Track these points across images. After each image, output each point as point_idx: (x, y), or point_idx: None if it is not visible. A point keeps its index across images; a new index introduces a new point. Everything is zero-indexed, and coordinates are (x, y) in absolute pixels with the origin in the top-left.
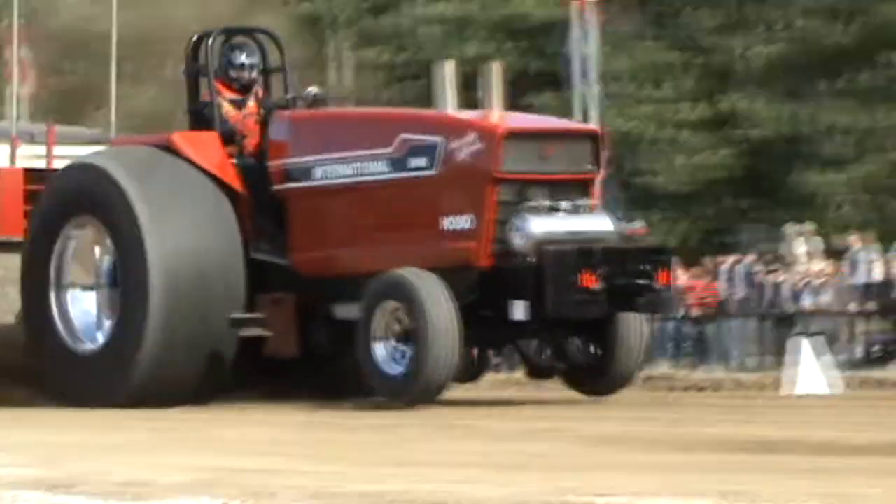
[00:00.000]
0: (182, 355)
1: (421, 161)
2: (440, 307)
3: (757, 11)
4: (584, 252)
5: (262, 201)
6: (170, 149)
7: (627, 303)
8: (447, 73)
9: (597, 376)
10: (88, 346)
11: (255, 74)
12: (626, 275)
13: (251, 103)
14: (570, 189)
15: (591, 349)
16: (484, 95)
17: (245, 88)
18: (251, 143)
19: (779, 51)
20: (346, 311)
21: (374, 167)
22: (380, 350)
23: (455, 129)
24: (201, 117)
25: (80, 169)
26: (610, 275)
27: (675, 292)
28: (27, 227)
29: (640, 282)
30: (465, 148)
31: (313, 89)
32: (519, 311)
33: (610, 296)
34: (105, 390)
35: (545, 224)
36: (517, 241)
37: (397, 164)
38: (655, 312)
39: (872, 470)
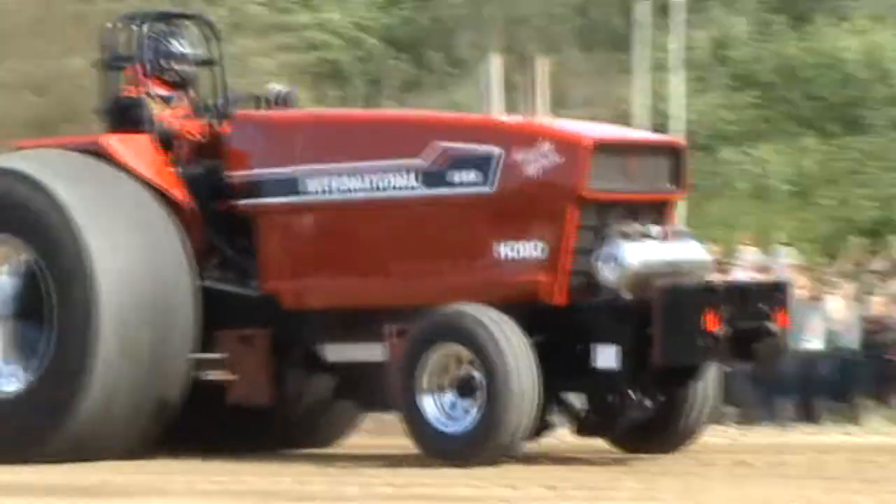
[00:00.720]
0: (127, 399)
1: (467, 175)
2: (517, 354)
3: None
4: (707, 289)
5: (213, 219)
6: (98, 154)
7: (746, 349)
8: (494, 70)
9: (656, 432)
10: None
11: (193, 67)
12: (748, 316)
13: (184, 101)
14: (650, 211)
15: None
16: (527, 96)
17: (178, 84)
18: (190, 148)
19: None
20: (344, 351)
21: (395, 181)
22: (428, 403)
23: (520, 137)
24: (123, 117)
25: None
26: (732, 316)
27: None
28: None
29: (762, 324)
30: (536, 161)
31: (277, 86)
32: (607, 357)
33: (730, 341)
34: (29, 442)
35: (641, 253)
36: (607, 274)
37: (431, 177)
38: (775, 360)
39: None
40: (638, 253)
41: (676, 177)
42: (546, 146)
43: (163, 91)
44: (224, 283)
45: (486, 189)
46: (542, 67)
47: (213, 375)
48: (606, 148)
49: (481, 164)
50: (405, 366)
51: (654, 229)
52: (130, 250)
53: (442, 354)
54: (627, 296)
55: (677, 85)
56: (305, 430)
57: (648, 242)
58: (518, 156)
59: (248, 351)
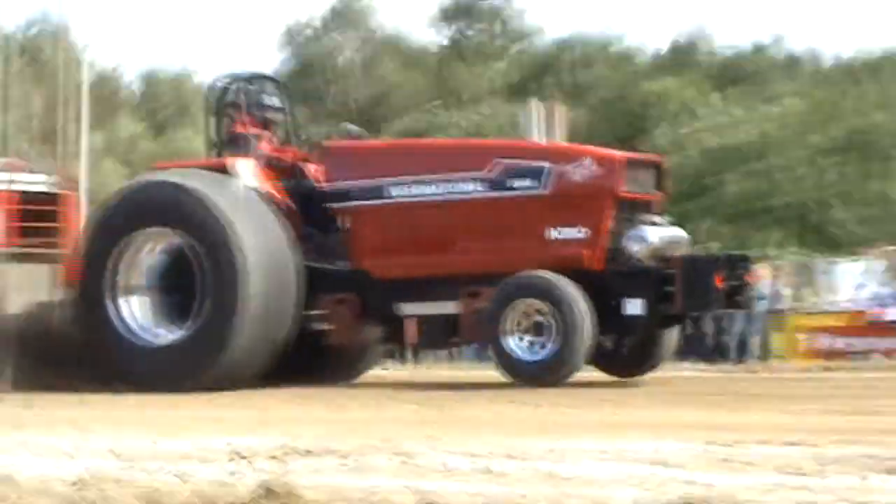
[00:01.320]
0: (258, 345)
1: (523, 182)
2: (579, 303)
3: None
4: (712, 259)
5: (307, 217)
6: (224, 171)
7: (733, 299)
8: (534, 111)
9: (636, 364)
10: (160, 341)
11: (277, 114)
12: (735, 277)
13: (271, 136)
14: (644, 207)
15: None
16: (547, 131)
17: (265, 124)
18: (285, 167)
19: None
20: (420, 308)
21: (464, 187)
22: (512, 341)
23: (567, 156)
24: (233, 147)
25: (156, 185)
26: (727, 277)
27: None
28: (84, 235)
29: (742, 282)
30: (580, 171)
31: (350, 126)
32: (635, 307)
33: (726, 294)
34: (190, 377)
35: (657, 234)
36: (635, 248)
37: (494, 184)
38: (748, 307)
39: None
40: (655, 234)
41: (659, 183)
42: (588, 161)
43: (256, 130)
44: (318, 262)
45: (541, 191)
46: (560, 112)
47: (317, 326)
48: (630, 162)
49: (536, 174)
50: (493, 314)
51: (659, 218)
52: (258, 239)
53: (523, 306)
54: (650, 263)
55: None
56: (358, 365)
57: (658, 227)
58: (566, 168)
59: (342, 309)
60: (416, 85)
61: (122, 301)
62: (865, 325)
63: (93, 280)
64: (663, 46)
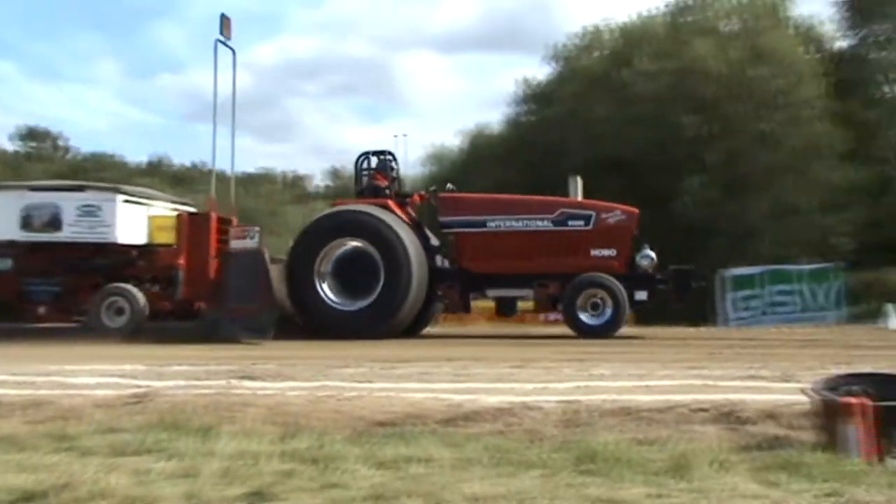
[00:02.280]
0: (410, 311)
1: (579, 223)
2: (623, 291)
3: None
4: (689, 269)
5: (434, 235)
6: (385, 207)
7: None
8: (578, 182)
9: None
10: (352, 308)
11: (393, 173)
12: (694, 279)
13: (395, 187)
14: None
15: None
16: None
17: (392, 178)
18: (414, 206)
19: None
20: (497, 292)
21: (539, 223)
22: (582, 314)
23: (605, 209)
24: (375, 193)
25: (340, 213)
26: (694, 279)
27: None
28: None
29: (699, 282)
30: (613, 218)
31: (450, 185)
32: (643, 295)
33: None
34: (375, 329)
35: (653, 254)
36: (644, 263)
37: (557, 222)
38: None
39: None
40: (653, 254)
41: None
42: (618, 212)
43: (384, 182)
44: (439, 263)
45: (588, 227)
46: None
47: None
48: (639, 214)
49: (586, 218)
50: (569, 296)
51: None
52: (410, 246)
53: (588, 292)
54: (651, 271)
55: None
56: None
57: (651, 251)
58: (603, 216)
59: (451, 292)
60: None
61: (321, 282)
62: None
63: (306, 269)
64: None
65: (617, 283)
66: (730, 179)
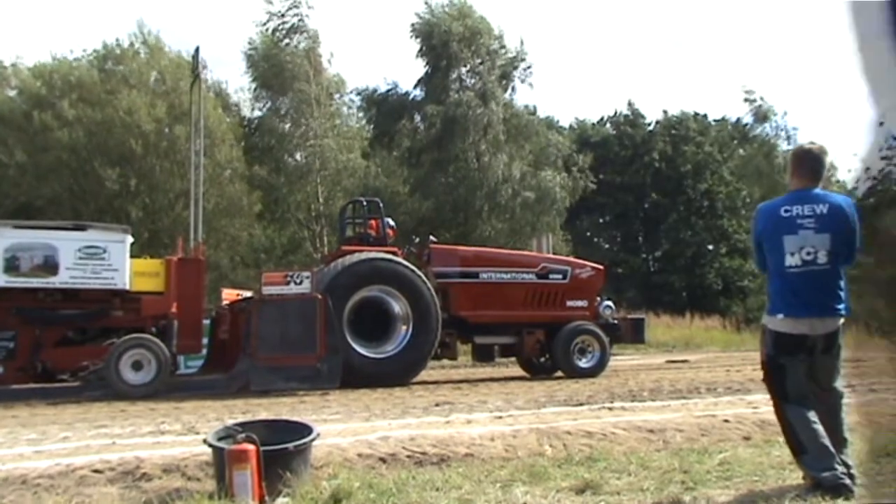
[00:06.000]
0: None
1: (556, 276)
2: (608, 340)
3: None
4: (641, 318)
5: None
6: (392, 255)
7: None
8: (549, 239)
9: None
10: (380, 354)
11: (380, 222)
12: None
13: (389, 236)
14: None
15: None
16: (542, 248)
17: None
18: (409, 256)
19: None
20: (486, 339)
21: (524, 276)
22: (575, 357)
23: (578, 265)
24: (382, 243)
25: (373, 259)
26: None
27: None
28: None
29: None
30: (585, 273)
31: (433, 237)
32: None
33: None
34: (403, 377)
35: (609, 305)
36: (606, 312)
37: (540, 276)
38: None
39: None
40: (612, 304)
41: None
42: (588, 268)
43: (374, 233)
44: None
45: (565, 281)
46: (550, 239)
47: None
48: (605, 270)
49: (563, 272)
50: (564, 343)
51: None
52: (429, 297)
53: (580, 339)
54: (610, 320)
55: None
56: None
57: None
58: (577, 270)
59: (450, 338)
60: None
61: (347, 330)
62: None
63: (336, 317)
64: None
65: (600, 330)
66: (152, 235)
